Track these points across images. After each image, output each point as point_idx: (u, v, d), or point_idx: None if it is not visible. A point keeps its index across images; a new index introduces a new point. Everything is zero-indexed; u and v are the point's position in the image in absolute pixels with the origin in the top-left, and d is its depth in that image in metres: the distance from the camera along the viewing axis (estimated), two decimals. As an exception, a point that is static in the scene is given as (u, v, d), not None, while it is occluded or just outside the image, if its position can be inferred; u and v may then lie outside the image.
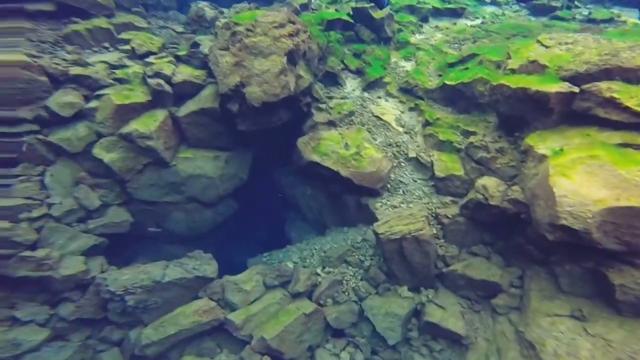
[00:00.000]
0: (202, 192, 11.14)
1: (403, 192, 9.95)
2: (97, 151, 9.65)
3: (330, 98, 11.88)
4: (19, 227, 8.58)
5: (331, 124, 11.09)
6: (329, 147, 10.22)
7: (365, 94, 12.20)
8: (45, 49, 10.66)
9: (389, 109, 11.59)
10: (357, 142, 10.23)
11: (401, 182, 10.08)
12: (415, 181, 10.06)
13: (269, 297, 9.23)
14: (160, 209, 10.93)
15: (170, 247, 11.70)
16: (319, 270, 9.63)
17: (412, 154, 10.38)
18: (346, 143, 10.18)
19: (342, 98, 11.96)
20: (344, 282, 9.31)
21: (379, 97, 12.10)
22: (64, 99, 9.56)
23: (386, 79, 12.39)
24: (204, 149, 11.07)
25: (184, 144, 10.94)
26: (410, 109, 11.65)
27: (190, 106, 10.47)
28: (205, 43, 11.20)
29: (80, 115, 9.81)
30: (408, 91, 12.01)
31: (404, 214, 8.90)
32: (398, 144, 10.73)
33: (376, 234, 8.76)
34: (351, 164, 9.78)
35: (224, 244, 13.25)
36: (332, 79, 12.39)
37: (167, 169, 10.49)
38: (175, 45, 11.80)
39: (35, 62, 9.52)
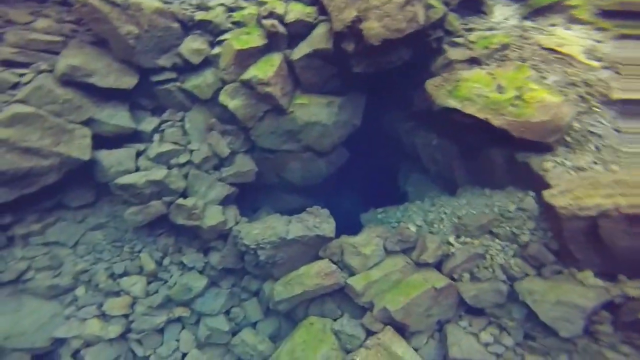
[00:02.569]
0: (317, 140, 10.46)
1: (596, 147, 7.25)
2: (223, 98, 9.50)
3: (470, 30, 9.37)
4: (172, 174, 8.85)
5: (474, 61, 8.69)
6: (472, 89, 7.99)
7: (528, 23, 9.28)
8: (174, -7, 10.47)
9: (573, 39, 8.47)
10: (518, 82, 7.73)
11: (592, 133, 7.33)
12: (620, 132, 7.20)
13: (389, 264, 8.23)
14: (279, 158, 10.65)
15: (288, 197, 11.58)
16: (451, 239, 8.12)
17: (617, 95, 7.38)
18: (499, 85, 7.80)
19: (488, 29, 9.33)
20: (488, 256, 7.67)
21: (553, 25, 9.02)
22: (192, 46, 9.44)
23: (569, 2, 9.07)
24: (317, 94, 10.12)
25: (298, 89, 10.10)
26: (620, 37, 8.24)
27: (303, 48, 9.37)
28: (315, -27, 9.63)
29: (207, 62, 9.66)
30: (616, 14, 8.57)
31: (600, 180, 6.44)
32: (588, 82, 7.78)
33: (549, 205, 6.64)
34: (507, 111, 7.45)
35: (333, 194, 12.61)
36: (471, 8, 9.74)
37: (285, 116, 9.91)
38: (284, -20, 10.50)
39: (168, 8, 9.36)
